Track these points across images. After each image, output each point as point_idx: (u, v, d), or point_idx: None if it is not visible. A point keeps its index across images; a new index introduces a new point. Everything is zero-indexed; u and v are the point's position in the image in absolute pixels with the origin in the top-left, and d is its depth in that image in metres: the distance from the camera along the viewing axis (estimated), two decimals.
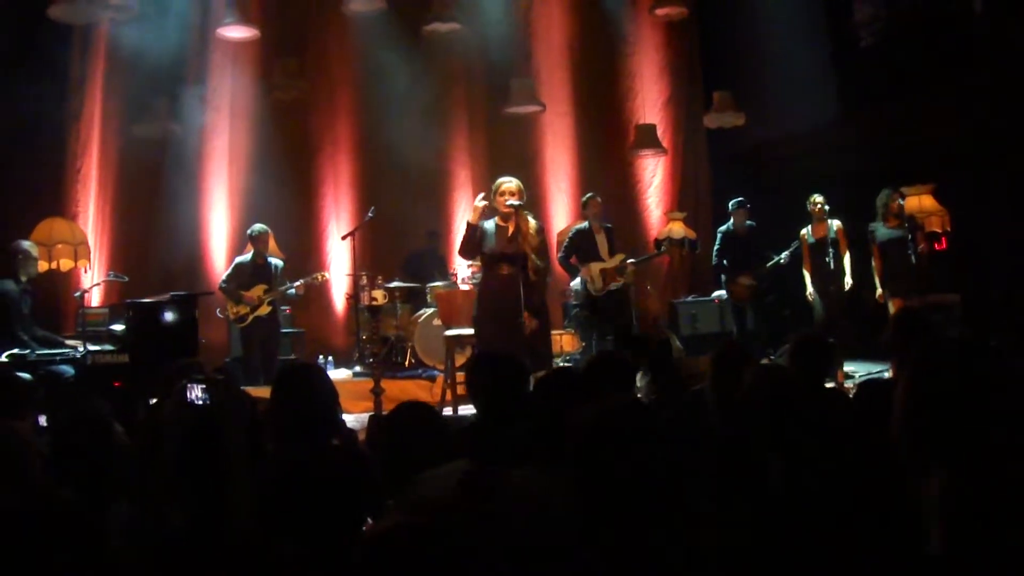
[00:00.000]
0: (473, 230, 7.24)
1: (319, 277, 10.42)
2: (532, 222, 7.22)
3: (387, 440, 3.21)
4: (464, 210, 12.54)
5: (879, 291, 9.51)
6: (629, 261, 9.79)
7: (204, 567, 2.42)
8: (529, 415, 3.25)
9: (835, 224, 9.76)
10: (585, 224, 9.84)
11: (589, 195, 10.06)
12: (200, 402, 2.73)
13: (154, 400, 5.08)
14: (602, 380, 3.87)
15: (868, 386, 3.96)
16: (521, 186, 7.30)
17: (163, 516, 2.52)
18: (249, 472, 2.67)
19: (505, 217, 7.22)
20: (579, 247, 9.78)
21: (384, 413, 7.38)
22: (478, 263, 8.30)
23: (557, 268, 11.31)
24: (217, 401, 2.68)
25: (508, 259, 7.10)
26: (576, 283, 10.69)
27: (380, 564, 1.97)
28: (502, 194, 7.18)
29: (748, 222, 10.43)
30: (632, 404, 2.43)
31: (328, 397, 3.53)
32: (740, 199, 10.45)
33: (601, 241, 9.71)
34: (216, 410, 2.63)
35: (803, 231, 9.93)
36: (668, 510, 2.12)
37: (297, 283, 10.06)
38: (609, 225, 10.03)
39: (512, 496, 2.61)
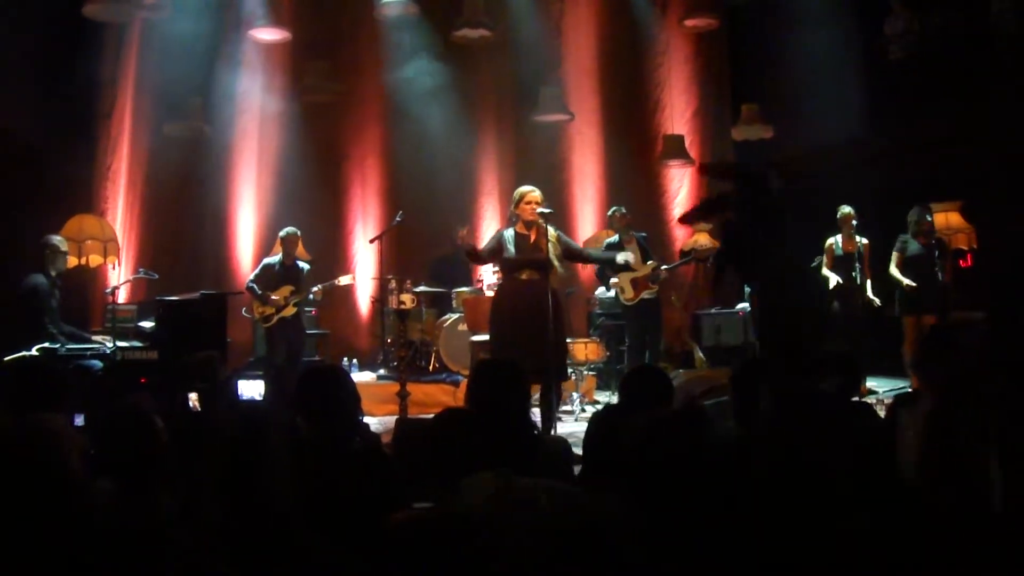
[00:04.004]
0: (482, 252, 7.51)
1: (340, 281, 10.30)
2: (552, 231, 7.20)
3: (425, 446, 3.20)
4: (492, 216, 12.55)
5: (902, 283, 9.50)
6: (663, 268, 9.80)
7: (243, 558, 2.45)
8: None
9: (863, 241, 9.74)
10: (615, 237, 9.89)
11: (612, 209, 10.15)
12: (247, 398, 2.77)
13: (186, 393, 5.10)
14: (640, 395, 3.83)
15: (901, 400, 4.00)
16: (542, 196, 7.32)
17: (204, 508, 2.54)
18: (290, 466, 2.70)
19: (528, 225, 7.22)
20: None
21: (410, 417, 7.45)
22: None
23: (583, 275, 11.30)
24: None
25: (532, 265, 7.10)
26: (600, 291, 10.69)
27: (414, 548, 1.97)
28: (529, 203, 7.14)
29: None
30: (684, 412, 2.43)
31: (350, 399, 3.58)
32: None
33: (631, 252, 9.74)
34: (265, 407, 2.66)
35: (830, 240, 9.89)
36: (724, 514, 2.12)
37: (315, 288, 9.90)
38: (643, 234, 10.06)
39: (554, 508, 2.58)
